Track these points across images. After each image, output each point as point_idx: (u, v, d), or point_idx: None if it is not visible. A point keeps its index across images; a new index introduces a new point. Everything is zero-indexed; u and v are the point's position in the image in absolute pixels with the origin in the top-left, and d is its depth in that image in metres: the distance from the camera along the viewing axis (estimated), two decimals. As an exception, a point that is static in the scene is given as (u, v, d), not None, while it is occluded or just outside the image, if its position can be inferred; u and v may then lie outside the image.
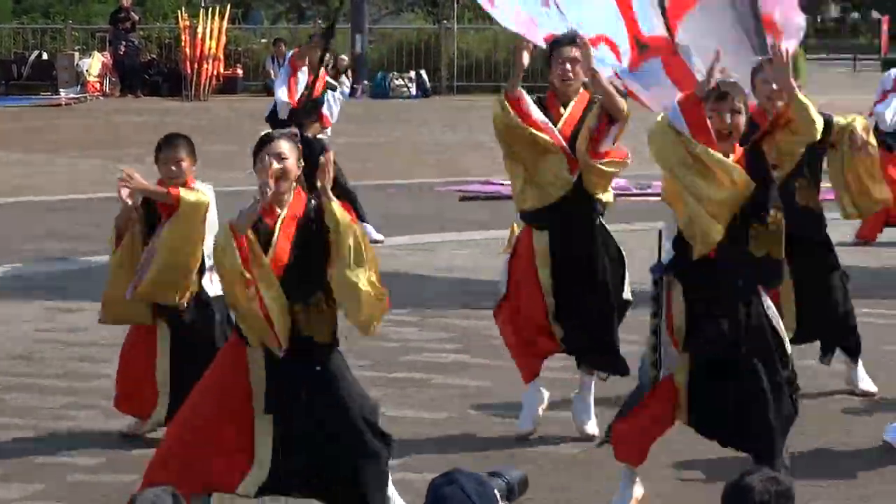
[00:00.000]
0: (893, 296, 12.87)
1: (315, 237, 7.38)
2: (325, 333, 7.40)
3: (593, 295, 9.11)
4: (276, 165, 7.35)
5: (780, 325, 7.75)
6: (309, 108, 15.93)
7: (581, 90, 9.23)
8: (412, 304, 12.63)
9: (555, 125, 9.07)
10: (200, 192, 9.10)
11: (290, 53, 17.44)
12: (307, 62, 16.38)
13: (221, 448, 7.33)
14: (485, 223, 16.92)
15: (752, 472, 5.08)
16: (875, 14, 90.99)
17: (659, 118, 7.70)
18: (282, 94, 16.37)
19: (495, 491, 3.98)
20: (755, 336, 7.59)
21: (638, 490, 7.85)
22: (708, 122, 7.52)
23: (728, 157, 7.50)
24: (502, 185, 20.17)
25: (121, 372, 9.32)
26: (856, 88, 39.62)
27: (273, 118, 16.25)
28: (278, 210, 7.44)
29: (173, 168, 9.18)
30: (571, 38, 9.30)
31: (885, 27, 73.51)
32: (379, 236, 15.70)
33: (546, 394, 9.20)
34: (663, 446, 8.04)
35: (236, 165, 19.53)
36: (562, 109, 9.15)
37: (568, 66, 9.14)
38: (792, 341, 8.95)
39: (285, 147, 7.48)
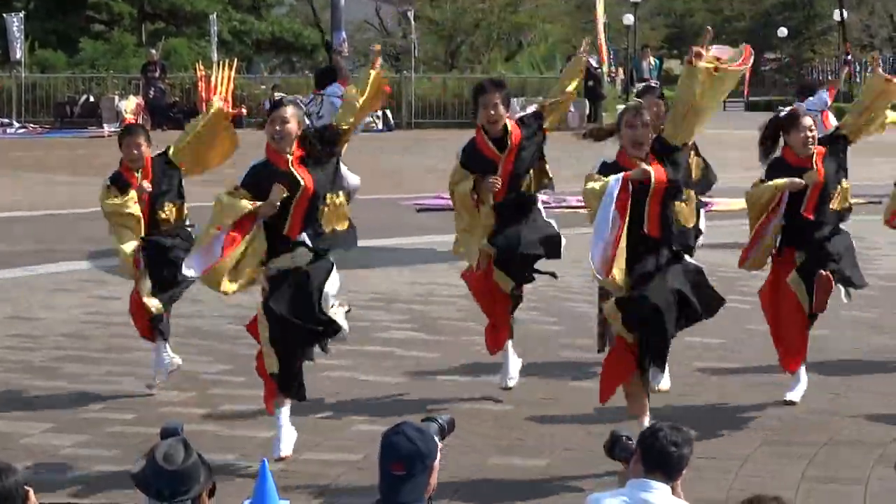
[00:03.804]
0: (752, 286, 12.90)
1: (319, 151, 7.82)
2: (342, 223, 8.16)
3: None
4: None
5: None
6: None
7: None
8: (380, 293, 12.60)
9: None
10: None
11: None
12: None
13: None
14: (436, 229, 16.86)
15: (663, 424, 5.14)
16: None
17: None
18: None
19: (432, 434, 4.06)
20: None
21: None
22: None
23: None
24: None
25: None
26: (725, 122, 40.28)
27: None
28: (287, 156, 7.69)
29: (134, 151, 9.08)
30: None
31: (748, 76, 74.31)
32: (354, 239, 15.62)
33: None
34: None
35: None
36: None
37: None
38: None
39: (289, 112, 7.59)
